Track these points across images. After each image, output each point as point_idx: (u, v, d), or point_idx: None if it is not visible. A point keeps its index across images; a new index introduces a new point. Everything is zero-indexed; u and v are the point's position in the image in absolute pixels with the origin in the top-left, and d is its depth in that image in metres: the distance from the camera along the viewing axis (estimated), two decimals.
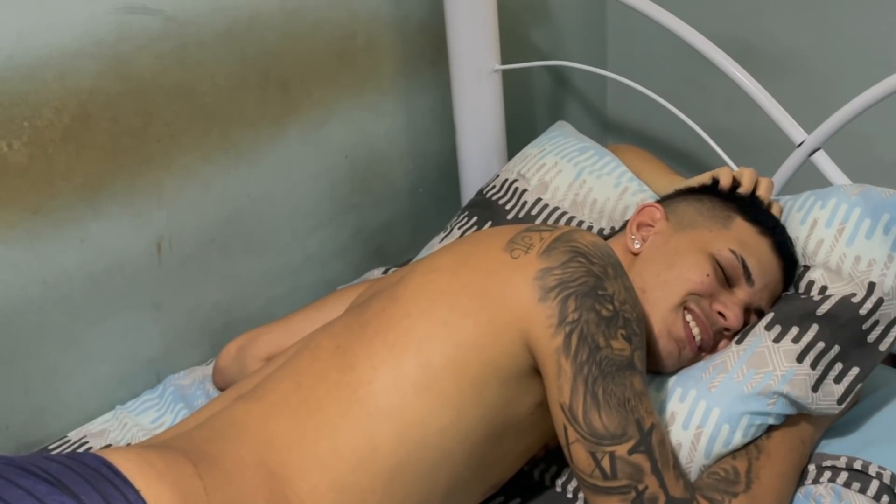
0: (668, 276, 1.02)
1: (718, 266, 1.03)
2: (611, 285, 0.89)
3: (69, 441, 1.22)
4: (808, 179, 1.26)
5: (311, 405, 0.89)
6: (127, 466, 0.78)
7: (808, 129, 1.24)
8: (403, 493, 0.87)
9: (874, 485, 0.99)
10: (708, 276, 1.02)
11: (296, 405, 0.90)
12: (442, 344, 0.89)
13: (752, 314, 1.06)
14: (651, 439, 0.85)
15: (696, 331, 1.02)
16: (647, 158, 1.37)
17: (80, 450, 1.19)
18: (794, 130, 1.25)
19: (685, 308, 1.02)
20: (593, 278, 0.88)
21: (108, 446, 1.20)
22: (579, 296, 0.87)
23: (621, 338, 0.87)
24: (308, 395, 0.90)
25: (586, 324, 0.86)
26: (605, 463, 0.83)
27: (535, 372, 0.90)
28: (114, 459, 0.79)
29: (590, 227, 1.30)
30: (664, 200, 1.16)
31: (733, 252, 1.03)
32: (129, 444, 0.99)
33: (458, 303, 0.91)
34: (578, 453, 0.85)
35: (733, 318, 1.02)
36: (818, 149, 1.23)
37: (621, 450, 0.83)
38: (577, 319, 0.86)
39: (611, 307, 0.88)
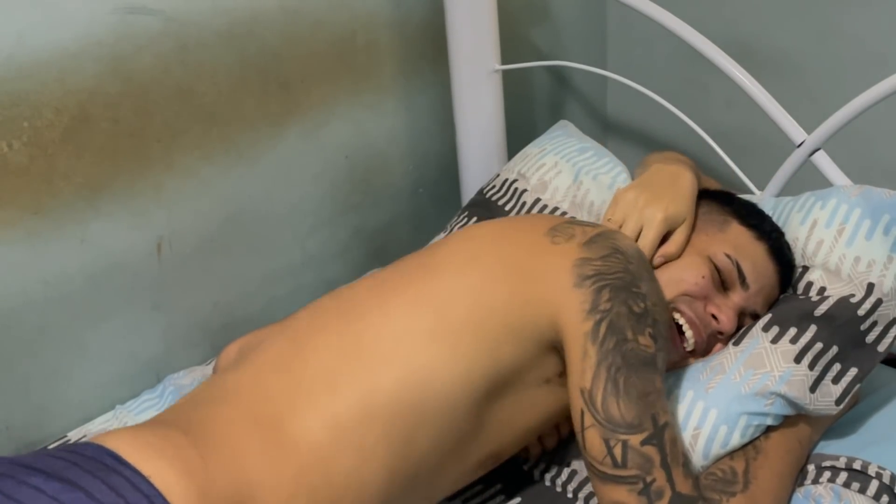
0: (662, 277, 1.03)
1: (715, 269, 1.04)
2: (645, 286, 0.91)
3: (69, 441, 1.22)
4: (808, 180, 1.26)
5: (305, 353, 0.90)
6: (128, 451, 0.78)
7: (808, 129, 1.24)
8: (404, 436, 0.87)
9: (874, 485, 0.99)
10: (704, 277, 1.03)
11: (288, 356, 0.91)
12: (466, 305, 0.90)
13: (746, 318, 1.07)
14: (664, 434, 0.85)
15: (688, 333, 1.02)
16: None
17: None
18: (794, 130, 1.25)
19: (675, 309, 1.02)
20: (630, 275, 0.90)
21: None
22: (614, 288, 0.89)
23: (648, 335, 0.89)
24: (303, 345, 0.91)
25: (617, 315, 0.88)
26: (617, 451, 0.84)
27: (552, 350, 0.92)
28: (112, 445, 0.79)
29: None
30: None
31: (728, 256, 1.04)
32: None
33: (492, 271, 0.93)
34: (592, 439, 0.85)
35: (726, 321, 1.03)
36: (818, 149, 1.23)
37: (634, 439, 0.84)
38: (608, 310, 0.88)
39: (642, 305, 0.89)
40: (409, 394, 0.87)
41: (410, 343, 0.89)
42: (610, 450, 0.84)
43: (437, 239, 1.45)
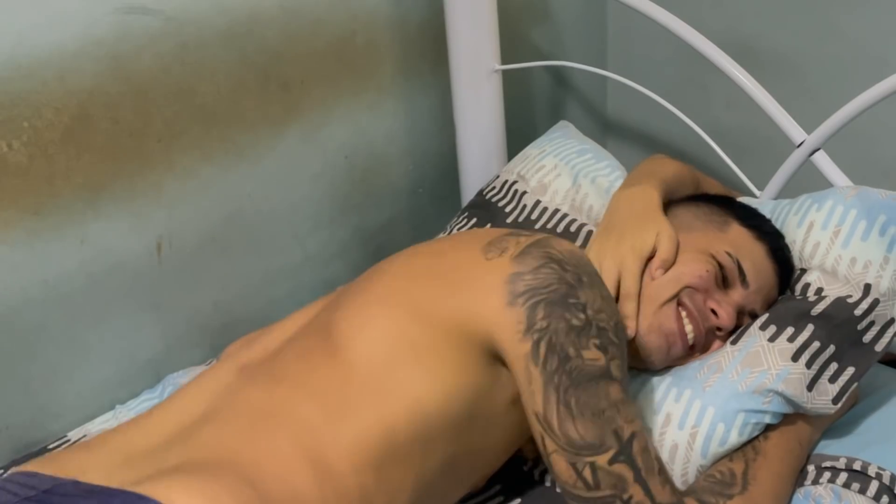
0: (665, 273, 1.03)
1: (718, 265, 1.04)
2: (584, 294, 0.87)
3: (69, 441, 1.23)
4: (808, 180, 1.26)
5: (329, 384, 0.88)
6: None
7: (808, 129, 1.24)
8: (416, 470, 0.87)
9: (874, 485, 0.99)
10: (707, 272, 1.03)
11: (315, 385, 0.89)
12: (423, 325, 0.89)
13: (745, 317, 1.07)
14: (631, 448, 0.83)
15: (688, 328, 1.02)
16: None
17: None
18: (794, 130, 1.25)
19: (678, 303, 1.02)
20: (565, 286, 0.87)
21: None
22: (549, 303, 0.86)
23: (594, 347, 0.85)
24: (323, 375, 0.89)
25: (555, 333, 0.85)
26: (587, 473, 0.83)
27: (502, 367, 0.90)
28: None
29: (589, 231, 1.30)
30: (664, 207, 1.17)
31: (729, 254, 1.04)
32: (146, 454, 0.92)
33: (433, 287, 0.91)
34: (559, 464, 0.84)
35: (726, 316, 1.03)
36: (818, 149, 1.24)
37: (601, 460, 0.82)
38: (545, 328, 0.85)
39: (582, 316, 0.86)
40: (414, 427, 0.86)
41: (401, 371, 0.88)
42: (579, 473, 0.83)
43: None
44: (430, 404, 0.87)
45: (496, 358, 0.90)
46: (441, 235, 1.44)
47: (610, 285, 1.03)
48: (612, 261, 1.05)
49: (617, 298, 1.03)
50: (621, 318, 0.96)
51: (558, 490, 1.05)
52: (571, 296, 0.86)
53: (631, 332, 1.01)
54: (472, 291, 0.89)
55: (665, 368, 1.06)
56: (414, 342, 0.89)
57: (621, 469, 0.83)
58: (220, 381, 0.98)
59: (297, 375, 0.91)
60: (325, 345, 0.92)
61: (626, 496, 0.82)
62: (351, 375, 0.88)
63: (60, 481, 0.80)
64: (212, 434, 0.88)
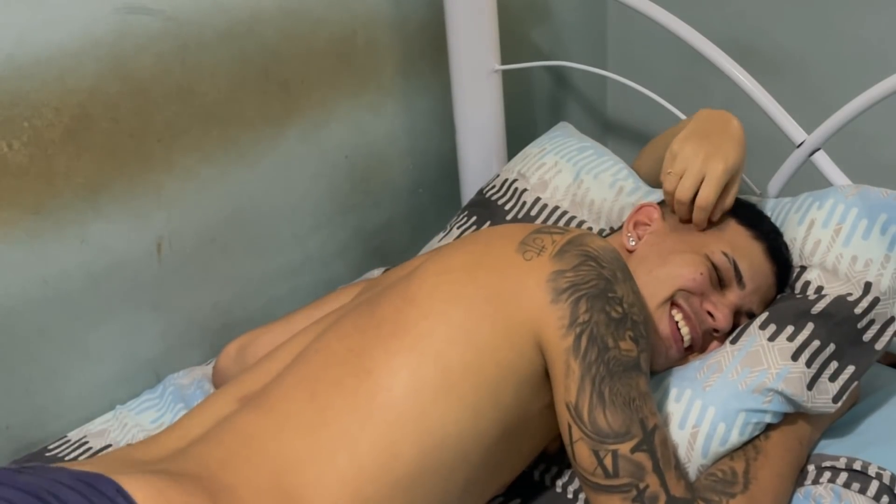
0: (660, 273, 1.04)
1: (713, 267, 1.04)
2: (620, 288, 0.90)
3: (69, 441, 1.22)
4: (808, 180, 1.26)
5: (327, 415, 0.87)
6: (145, 500, 0.76)
7: (808, 129, 1.24)
8: (422, 498, 0.86)
9: (874, 485, 0.99)
10: (701, 274, 1.03)
11: (311, 416, 0.88)
12: (461, 348, 0.89)
13: (742, 317, 1.07)
14: (654, 439, 0.85)
15: (684, 330, 1.03)
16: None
17: (80, 450, 1.20)
18: (794, 130, 1.25)
19: (674, 304, 1.03)
20: (604, 281, 0.90)
21: (108, 446, 1.20)
22: (590, 298, 0.88)
23: (629, 339, 0.88)
24: (324, 405, 0.88)
25: (596, 325, 0.87)
26: (608, 461, 0.84)
27: (546, 374, 0.91)
28: (131, 489, 0.77)
29: (589, 228, 1.30)
30: (663, 201, 1.17)
31: (725, 255, 1.05)
32: (140, 462, 0.93)
33: (474, 305, 0.91)
34: (581, 451, 0.85)
35: (722, 318, 1.03)
36: (818, 149, 1.24)
37: (624, 448, 0.84)
38: (587, 321, 0.87)
39: (620, 309, 0.89)
40: (425, 457, 0.86)
41: (420, 402, 0.87)
42: (600, 461, 0.84)
43: (436, 238, 1.45)
44: (450, 435, 0.87)
45: (539, 367, 0.90)
46: (441, 235, 1.44)
47: (688, 186, 1.05)
48: (704, 165, 1.06)
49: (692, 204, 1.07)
50: (648, 314, 0.99)
51: (558, 490, 1.05)
52: (610, 290, 0.89)
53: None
54: (516, 295, 0.90)
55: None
56: (448, 371, 0.88)
57: (641, 458, 0.84)
58: (223, 409, 0.97)
59: (293, 405, 0.90)
60: (343, 376, 0.90)
61: (642, 485, 0.83)
62: (360, 409, 0.87)
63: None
64: (199, 451, 0.88)
